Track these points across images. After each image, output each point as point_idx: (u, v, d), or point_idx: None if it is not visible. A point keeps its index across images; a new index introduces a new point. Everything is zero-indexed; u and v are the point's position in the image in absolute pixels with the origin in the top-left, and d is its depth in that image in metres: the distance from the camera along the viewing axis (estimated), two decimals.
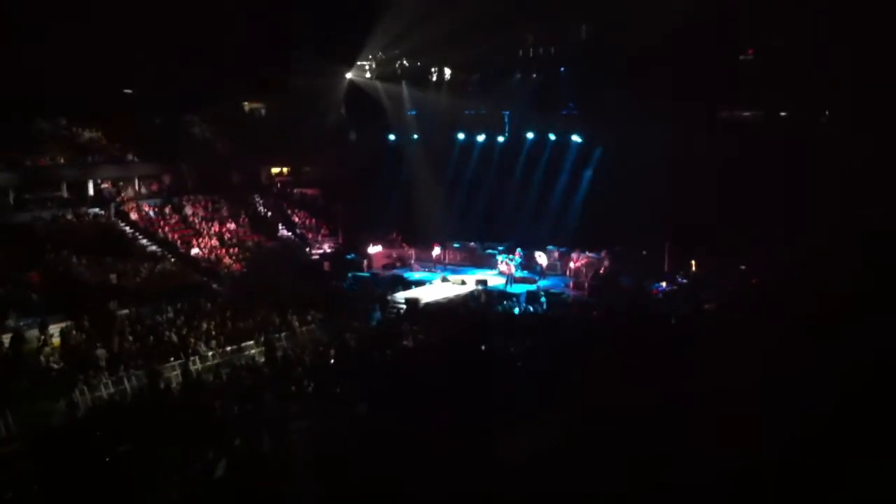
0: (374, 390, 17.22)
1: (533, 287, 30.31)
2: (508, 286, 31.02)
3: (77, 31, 33.01)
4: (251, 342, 23.15)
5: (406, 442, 11.37)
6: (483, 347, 19.70)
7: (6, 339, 22.53)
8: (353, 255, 36.41)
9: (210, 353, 22.12)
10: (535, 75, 36.51)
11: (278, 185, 45.45)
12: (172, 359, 21.22)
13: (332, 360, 20.62)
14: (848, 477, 9.37)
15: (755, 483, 9.39)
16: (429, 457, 10.67)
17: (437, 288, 31.18)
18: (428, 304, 28.31)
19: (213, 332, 23.45)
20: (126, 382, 19.89)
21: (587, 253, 32.12)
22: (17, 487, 12.97)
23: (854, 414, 10.54)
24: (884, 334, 13.26)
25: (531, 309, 27.62)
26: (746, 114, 32.14)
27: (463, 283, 31.44)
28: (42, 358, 21.05)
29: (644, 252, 31.16)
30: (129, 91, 40.68)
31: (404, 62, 39.38)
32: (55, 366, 20.23)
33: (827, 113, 30.45)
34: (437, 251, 35.88)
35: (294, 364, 20.22)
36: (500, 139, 38.08)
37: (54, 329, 23.70)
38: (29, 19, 32.80)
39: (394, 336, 22.54)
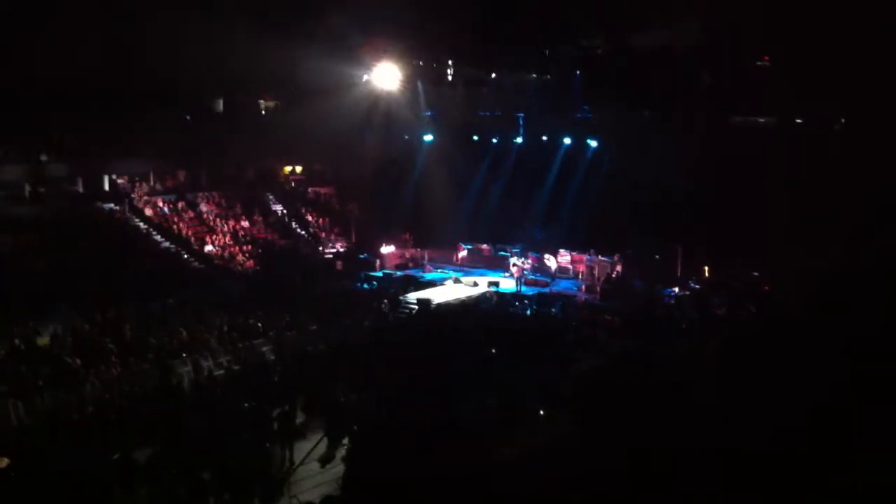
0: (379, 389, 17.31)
1: (546, 290, 30.32)
2: (520, 288, 31.05)
3: (92, 26, 33.05)
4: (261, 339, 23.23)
5: (407, 439, 11.39)
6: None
7: (19, 332, 22.67)
8: (365, 254, 36.48)
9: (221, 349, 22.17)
10: (549, 77, 36.43)
11: (292, 183, 45.58)
12: (184, 354, 21.29)
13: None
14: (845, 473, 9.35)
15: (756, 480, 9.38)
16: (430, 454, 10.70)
17: (449, 289, 31.23)
18: (439, 305, 28.35)
19: (225, 328, 23.55)
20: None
21: (599, 257, 32.12)
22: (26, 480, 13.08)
23: (854, 415, 10.50)
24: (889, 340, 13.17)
25: (542, 311, 27.61)
26: (761, 120, 31.98)
27: (475, 284, 31.47)
28: (54, 351, 21.19)
29: (657, 257, 31.11)
30: (147, 86, 40.77)
31: (420, 63, 39.34)
32: (67, 360, 20.32)
33: (843, 120, 30.28)
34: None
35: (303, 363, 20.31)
36: (516, 141, 38.00)
37: (66, 323, 23.86)
38: (43, 13, 32.85)
39: None
